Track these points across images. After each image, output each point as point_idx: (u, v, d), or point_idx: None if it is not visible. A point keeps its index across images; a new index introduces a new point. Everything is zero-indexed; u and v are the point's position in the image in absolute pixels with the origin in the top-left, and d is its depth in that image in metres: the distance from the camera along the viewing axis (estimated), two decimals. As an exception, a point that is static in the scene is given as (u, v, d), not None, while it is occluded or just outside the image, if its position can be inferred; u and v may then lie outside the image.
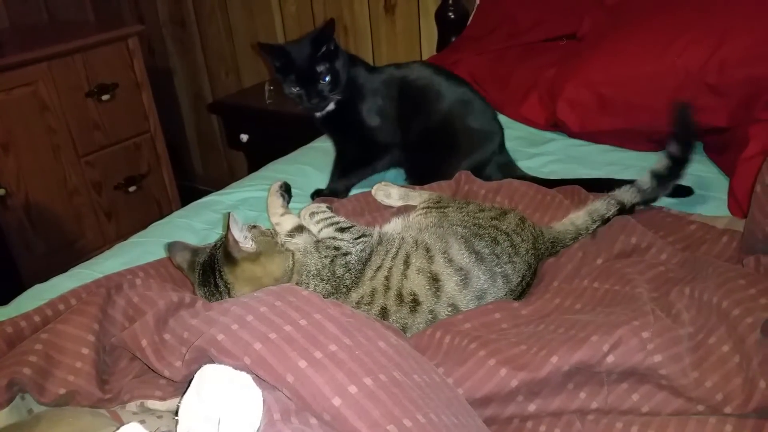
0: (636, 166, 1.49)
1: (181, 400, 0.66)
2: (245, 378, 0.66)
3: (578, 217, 1.14)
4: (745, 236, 1.00)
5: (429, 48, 2.43)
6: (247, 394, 0.65)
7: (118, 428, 0.61)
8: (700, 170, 1.44)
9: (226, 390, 0.64)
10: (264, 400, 0.65)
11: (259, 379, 0.69)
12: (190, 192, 2.67)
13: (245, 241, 0.97)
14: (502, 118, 1.80)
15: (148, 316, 0.85)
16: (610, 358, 0.78)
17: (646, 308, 0.85)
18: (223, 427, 0.61)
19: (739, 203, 1.21)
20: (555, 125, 1.69)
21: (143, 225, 1.42)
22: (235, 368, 0.69)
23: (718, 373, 0.78)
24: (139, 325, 0.84)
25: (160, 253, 1.17)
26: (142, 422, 0.74)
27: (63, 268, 1.24)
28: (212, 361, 0.72)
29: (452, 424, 0.67)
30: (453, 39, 2.20)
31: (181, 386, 0.81)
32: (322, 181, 1.49)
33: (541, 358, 0.79)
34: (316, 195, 1.45)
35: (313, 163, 1.64)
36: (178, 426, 0.63)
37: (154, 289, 0.95)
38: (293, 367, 0.67)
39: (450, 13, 2.22)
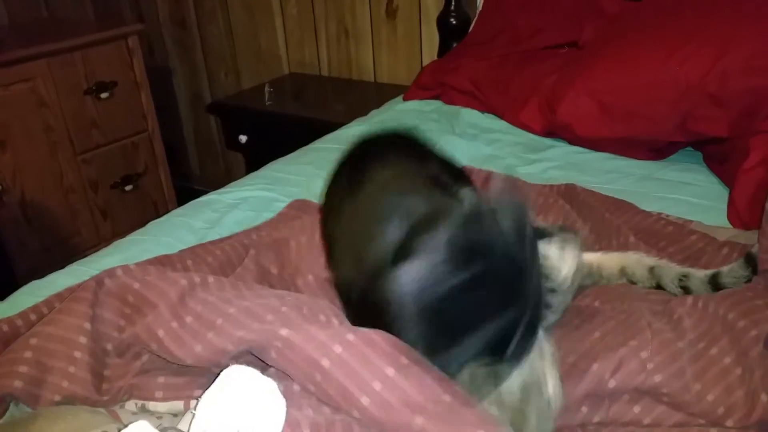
0: (635, 174, 1.50)
1: (201, 394, 0.64)
2: (271, 385, 0.65)
3: (634, 270, 1.01)
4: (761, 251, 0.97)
5: (430, 53, 2.44)
6: (272, 401, 0.63)
7: (125, 426, 0.60)
8: (699, 180, 1.44)
9: (251, 395, 0.62)
10: (290, 414, 0.64)
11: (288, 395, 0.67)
12: (186, 192, 2.66)
13: None
14: (502, 124, 1.82)
15: (161, 308, 0.79)
16: (611, 383, 0.78)
17: (642, 323, 0.84)
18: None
19: (739, 214, 1.21)
20: (551, 133, 1.69)
21: (139, 224, 1.40)
22: (304, 370, 0.66)
23: (720, 385, 0.77)
24: (154, 317, 0.80)
25: (159, 251, 1.16)
26: (141, 423, 0.73)
27: (57, 265, 1.22)
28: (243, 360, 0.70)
29: None
30: (454, 45, 2.20)
31: (183, 387, 0.79)
32: (321, 181, 1.47)
33: None
34: None
35: (313, 163, 1.63)
36: (194, 421, 0.62)
37: (152, 274, 0.90)
38: (381, 374, 0.65)
39: (452, 19, 2.22)
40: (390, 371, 0.64)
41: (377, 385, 0.64)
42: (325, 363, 0.65)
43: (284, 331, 0.68)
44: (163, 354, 0.79)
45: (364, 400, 0.64)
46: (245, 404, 0.62)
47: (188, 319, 0.78)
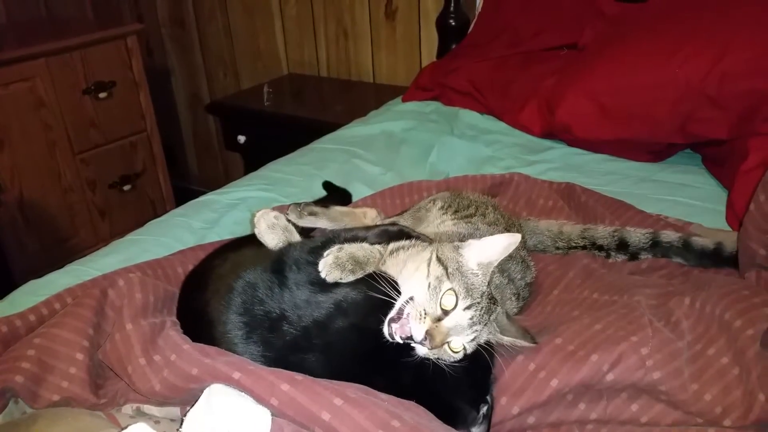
0: (634, 176, 1.50)
1: (186, 411, 0.65)
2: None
3: (572, 230, 1.14)
4: (741, 253, 1.01)
5: (428, 54, 2.44)
6: (256, 409, 0.65)
7: (124, 427, 0.60)
8: (698, 181, 1.45)
9: (236, 403, 0.63)
10: (274, 420, 0.65)
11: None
12: (184, 192, 2.66)
13: None
14: (501, 125, 1.82)
15: (133, 341, 0.80)
16: (609, 377, 0.79)
17: (644, 320, 0.84)
18: None
19: (737, 216, 1.21)
20: (550, 134, 1.70)
21: (137, 224, 1.40)
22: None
23: (718, 385, 0.78)
24: (124, 348, 0.80)
25: (158, 252, 1.16)
26: (139, 425, 0.73)
27: (55, 265, 1.22)
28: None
29: None
30: (453, 46, 2.20)
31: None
32: (320, 181, 1.48)
33: (540, 381, 0.79)
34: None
35: (312, 163, 1.63)
36: None
37: (142, 289, 0.90)
38: (328, 404, 0.67)
39: (451, 20, 2.22)
40: (338, 401, 0.67)
41: (326, 415, 0.66)
42: (274, 402, 0.68)
43: (236, 375, 0.70)
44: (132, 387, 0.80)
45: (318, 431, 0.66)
46: (233, 414, 0.63)
47: (156, 357, 0.78)
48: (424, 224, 1.09)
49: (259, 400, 0.69)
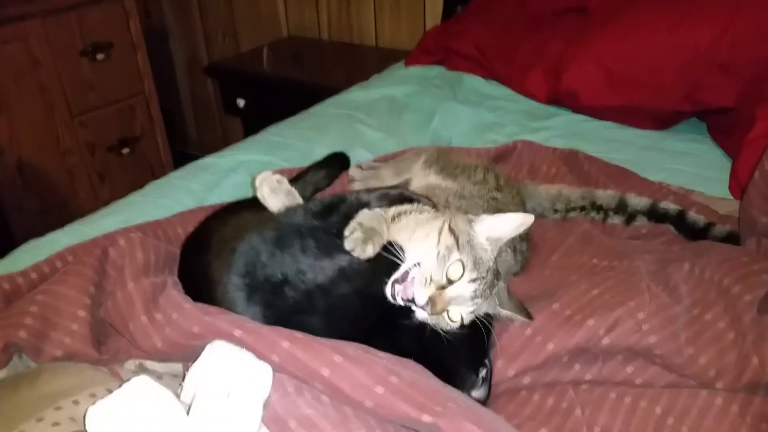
0: (637, 144, 1.49)
1: (188, 367, 0.66)
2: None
3: (572, 192, 1.14)
4: (742, 220, 1.01)
5: (433, 17, 2.38)
6: (257, 364, 0.66)
7: (126, 380, 0.61)
8: (703, 150, 1.44)
9: (238, 359, 0.64)
10: (275, 375, 0.66)
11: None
12: (183, 158, 2.63)
13: None
14: (506, 91, 1.79)
15: (134, 299, 0.80)
16: (605, 340, 0.80)
17: (642, 286, 0.85)
18: (233, 394, 0.61)
19: (741, 185, 1.21)
20: (556, 101, 1.67)
21: (136, 188, 1.39)
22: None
23: (713, 349, 0.79)
24: (125, 306, 0.80)
25: (157, 213, 1.16)
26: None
27: (55, 227, 1.22)
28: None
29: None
30: (459, 8, 2.16)
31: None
32: (320, 146, 1.47)
33: (536, 345, 0.80)
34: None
35: (312, 128, 1.62)
36: (182, 392, 0.64)
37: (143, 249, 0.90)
38: (328, 361, 0.68)
39: (456, -18, 2.17)
40: (337, 358, 0.68)
41: (326, 371, 0.67)
42: (275, 358, 0.69)
43: (237, 332, 0.71)
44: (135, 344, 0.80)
45: (318, 386, 0.68)
46: (234, 370, 0.64)
47: (157, 315, 0.79)
48: (406, 175, 1.08)
49: (260, 356, 0.70)
